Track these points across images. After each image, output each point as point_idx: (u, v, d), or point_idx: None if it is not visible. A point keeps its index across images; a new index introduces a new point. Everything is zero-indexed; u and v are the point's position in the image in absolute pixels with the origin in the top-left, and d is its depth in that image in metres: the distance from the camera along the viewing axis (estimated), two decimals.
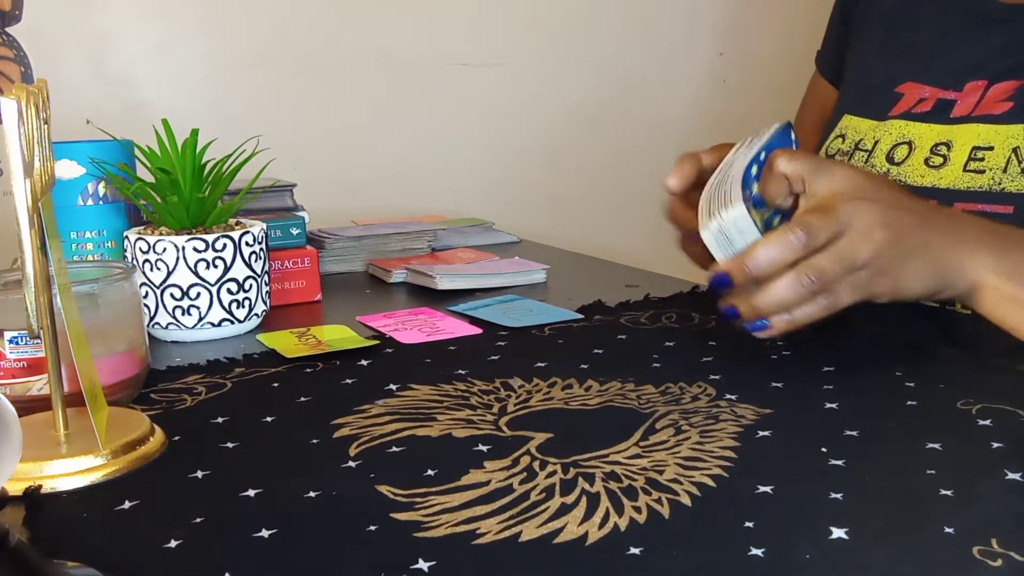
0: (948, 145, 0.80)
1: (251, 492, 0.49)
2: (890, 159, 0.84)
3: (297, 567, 0.41)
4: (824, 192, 0.63)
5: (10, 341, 0.61)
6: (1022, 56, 0.79)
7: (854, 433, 0.54)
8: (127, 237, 0.80)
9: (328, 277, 1.06)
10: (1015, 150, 0.75)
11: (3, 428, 0.36)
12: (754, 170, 0.66)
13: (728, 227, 0.62)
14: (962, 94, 0.82)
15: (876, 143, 0.86)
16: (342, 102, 1.47)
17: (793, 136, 0.71)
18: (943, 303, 0.76)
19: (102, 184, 0.88)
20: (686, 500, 0.46)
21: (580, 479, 0.49)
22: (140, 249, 0.79)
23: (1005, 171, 0.75)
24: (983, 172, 0.76)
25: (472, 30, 1.56)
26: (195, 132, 0.82)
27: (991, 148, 0.77)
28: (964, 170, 0.78)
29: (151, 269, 0.78)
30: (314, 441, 0.56)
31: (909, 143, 0.83)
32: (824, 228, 0.60)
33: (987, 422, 0.55)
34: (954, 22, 0.86)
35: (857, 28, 0.97)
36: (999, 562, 0.39)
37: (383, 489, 0.49)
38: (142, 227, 0.84)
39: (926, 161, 0.81)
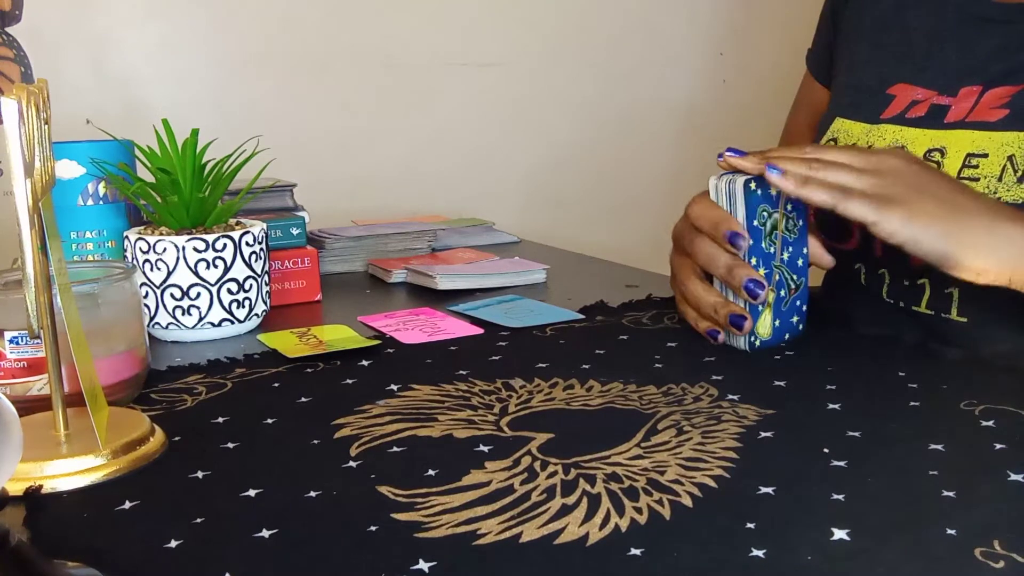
0: (942, 151, 0.77)
1: (251, 492, 0.49)
2: None
3: (297, 567, 0.41)
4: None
5: (10, 341, 0.61)
6: (1018, 59, 0.77)
7: (856, 434, 0.54)
8: (127, 237, 0.80)
9: (328, 277, 1.06)
10: (1010, 158, 0.73)
11: (3, 428, 0.36)
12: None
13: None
14: (956, 99, 0.79)
15: (869, 148, 0.84)
16: (342, 102, 1.47)
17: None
18: (939, 311, 0.76)
19: (102, 184, 0.88)
20: (687, 501, 0.46)
21: (581, 480, 0.49)
22: (140, 249, 0.78)
23: (1000, 180, 0.73)
24: (977, 180, 0.74)
25: (472, 30, 1.56)
26: (195, 132, 0.82)
27: (985, 155, 0.75)
28: (958, 177, 0.75)
29: (151, 269, 0.78)
30: (315, 441, 0.56)
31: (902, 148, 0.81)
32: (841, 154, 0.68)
33: (990, 423, 0.55)
34: (948, 22, 0.83)
35: (847, 28, 0.95)
36: (1001, 564, 0.39)
37: (384, 489, 0.48)
38: (142, 227, 0.84)
39: None
